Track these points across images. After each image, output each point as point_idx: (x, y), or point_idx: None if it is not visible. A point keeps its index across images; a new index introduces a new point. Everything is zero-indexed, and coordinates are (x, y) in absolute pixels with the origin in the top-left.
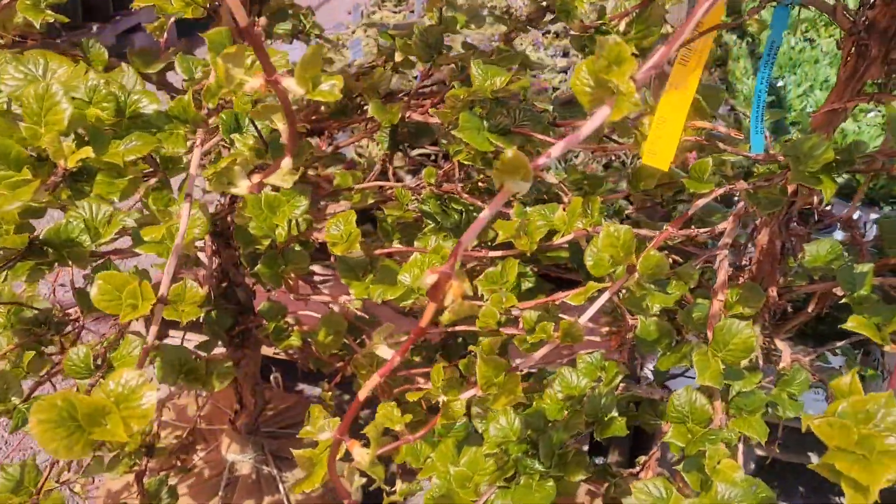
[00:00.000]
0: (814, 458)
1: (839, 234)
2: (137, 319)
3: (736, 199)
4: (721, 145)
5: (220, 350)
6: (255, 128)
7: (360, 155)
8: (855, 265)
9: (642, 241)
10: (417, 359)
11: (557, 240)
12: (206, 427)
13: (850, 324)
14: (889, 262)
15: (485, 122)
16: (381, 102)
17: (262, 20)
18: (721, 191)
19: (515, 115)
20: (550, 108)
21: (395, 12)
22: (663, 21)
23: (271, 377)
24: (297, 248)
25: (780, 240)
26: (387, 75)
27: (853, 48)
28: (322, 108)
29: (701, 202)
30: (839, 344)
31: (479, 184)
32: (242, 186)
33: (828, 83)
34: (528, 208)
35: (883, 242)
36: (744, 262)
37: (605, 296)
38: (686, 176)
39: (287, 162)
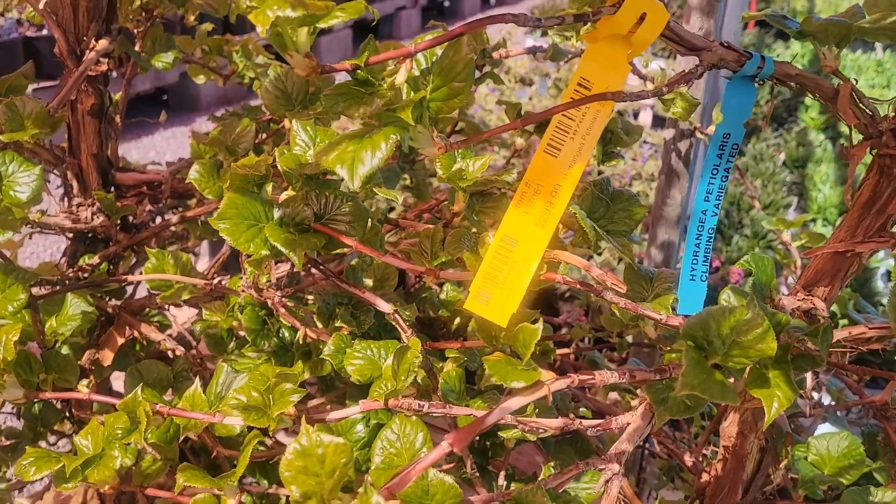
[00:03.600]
0: None
1: (830, 425)
2: None
3: None
4: (611, 297)
5: None
6: None
7: None
8: (871, 489)
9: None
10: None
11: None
12: None
13: None
14: None
15: (276, 211)
16: (211, 166)
17: (102, 43)
18: (622, 423)
19: (328, 202)
20: (399, 198)
21: None
22: (474, 75)
23: None
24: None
25: (758, 437)
26: (248, 128)
27: (874, 162)
28: None
29: (512, 404)
30: None
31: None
32: None
33: None
34: (355, 341)
35: None
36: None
37: None
38: None
39: None
